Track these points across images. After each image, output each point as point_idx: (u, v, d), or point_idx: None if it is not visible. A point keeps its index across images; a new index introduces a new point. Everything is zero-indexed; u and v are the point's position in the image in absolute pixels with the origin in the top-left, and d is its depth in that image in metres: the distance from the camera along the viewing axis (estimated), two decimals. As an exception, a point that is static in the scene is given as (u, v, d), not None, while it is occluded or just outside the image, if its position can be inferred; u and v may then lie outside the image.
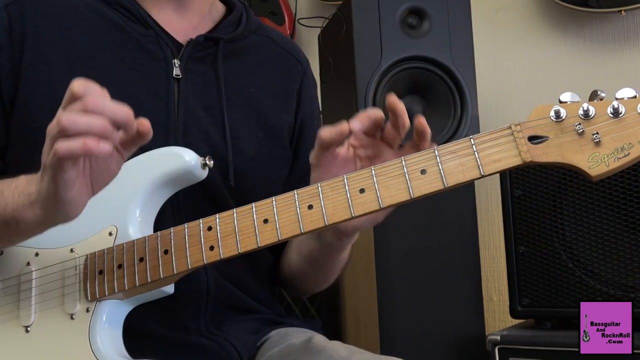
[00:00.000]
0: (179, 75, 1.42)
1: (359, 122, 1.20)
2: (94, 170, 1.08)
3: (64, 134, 1.00)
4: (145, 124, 1.08)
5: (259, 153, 1.47)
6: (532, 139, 1.05)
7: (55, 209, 1.08)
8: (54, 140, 1.01)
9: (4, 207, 1.15)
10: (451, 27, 2.38)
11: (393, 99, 1.18)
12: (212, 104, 1.44)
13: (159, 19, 1.46)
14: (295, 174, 1.54)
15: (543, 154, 1.04)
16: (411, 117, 2.29)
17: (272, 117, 1.51)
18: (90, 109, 1.01)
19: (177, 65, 1.42)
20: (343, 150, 1.26)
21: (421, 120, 1.19)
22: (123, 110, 1.04)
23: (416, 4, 2.36)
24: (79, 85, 1.03)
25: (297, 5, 3.38)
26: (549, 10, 2.94)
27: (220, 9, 1.59)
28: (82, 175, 1.06)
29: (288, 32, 3.30)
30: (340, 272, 1.54)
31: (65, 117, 1.00)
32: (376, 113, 1.20)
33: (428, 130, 1.20)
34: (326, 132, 1.21)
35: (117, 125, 1.04)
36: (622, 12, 2.59)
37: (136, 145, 1.10)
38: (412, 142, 1.22)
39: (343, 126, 1.19)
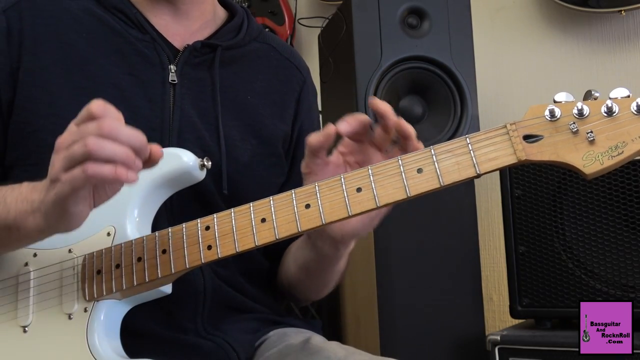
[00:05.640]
0: (174, 81, 1.42)
1: (346, 124, 1.21)
2: (98, 188, 1.10)
3: (90, 156, 1.02)
4: (157, 150, 1.11)
5: (252, 160, 1.46)
6: (527, 137, 1.06)
7: (58, 220, 1.09)
8: (75, 162, 1.03)
9: (7, 213, 1.15)
10: (451, 27, 2.38)
11: (375, 102, 1.19)
12: (207, 110, 1.44)
13: (156, 24, 1.46)
14: (293, 182, 1.53)
15: (538, 153, 1.05)
16: (411, 117, 2.31)
17: (268, 125, 1.51)
18: (106, 133, 1.03)
19: (173, 70, 1.42)
20: (333, 157, 1.28)
21: (401, 122, 1.20)
22: (138, 137, 1.07)
23: (416, 4, 2.37)
24: (97, 106, 1.06)
25: (297, 5, 3.38)
26: (549, 11, 2.94)
27: (221, 15, 1.58)
28: (88, 194, 1.08)
29: (288, 32, 3.30)
30: (339, 281, 1.54)
31: (91, 141, 1.02)
32: (363, 117, 1.22)
33: (410, 129, 1.21)
34: (314, 137, 1.23)
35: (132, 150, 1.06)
36: (622, 12, 2.60)
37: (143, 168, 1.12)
38: (400, 144, 1.23)
39: (330, 129, 1.20)
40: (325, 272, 1.46)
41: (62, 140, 1.07)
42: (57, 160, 1.06)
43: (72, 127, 1.07)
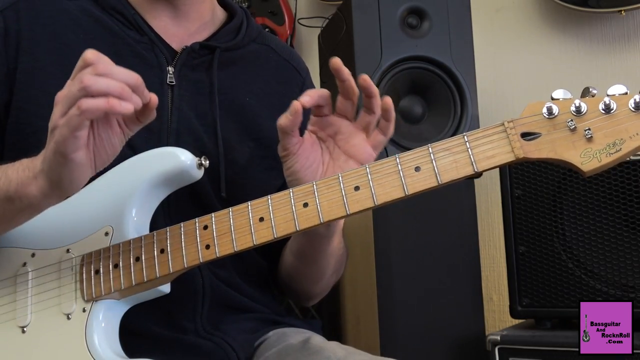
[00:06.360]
0: (172, 83, 1.41)
1: (308, 97, 1.24)
2: (97, 146, 1.09)
3: (85, 92, 1.03)
4: (153, 97, 1.11)
5: (250, 163, 1.46)
6: (525, 135, 1.06)
7: (61, 175, 1.08)
8: (74, 101, 1.03)
9: (8, 184, 1.15)
10: (451, 27, 2.38)
11: (336, 62, 1.21)
12: (205, 112, 1.43)
13: (155, 26, 1.46)
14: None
15: (536, 150, 1.05)
16: (411, 117, 2.31)
17: (266, 127, 1.50)
18: (102, 72, 1.04)
19: (171, 72, 1.42)
20: (306, 136, 1.30)
21: (364, 77, 1.22)
22: (133, 76, 1.07)
23: (416, 4, 2.36)
24: (91, 53, 1.07)
25: (297, 5, 3.37)
26: (549, 11, 2.94)
27: (220, 16, 1.58)
28: (87, 147, 1.08)
29: (288, 32, 3.30)
30: (337, 271, 1.54)
31: (87, 77, 1.03)
32: (322, 90, 1.25)
33: (374, 87, 1.23)
34: (283, 118, 1.25)
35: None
36: (622, 12, 2.59)
37: (140, 124, 1.12)
38: (365, 106, 1.25)
39: (295, 105, 1.22)
40: (320, 255, 1.45)
41: (61, 92, 1.07)
42: (56, 110, 1.07)
43: (69, 82, 1.08)
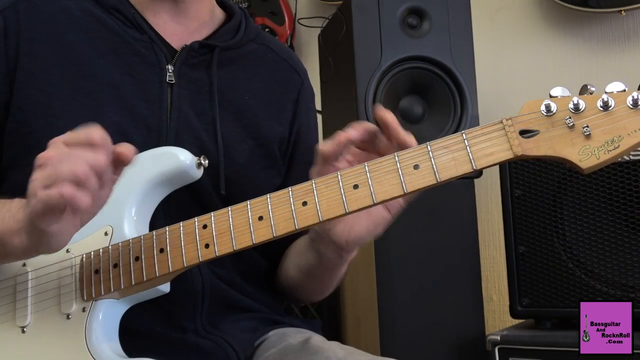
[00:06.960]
0: (172, 81, 1.41)
1: (355, 131, 1.21)
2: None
3: (76, 180, 1.02)
4: (125, 145, 1.09)
5: (249, 162, 1.46)
6: (524, 133, 1.06)
7: (39, 240, 1.09)
8: (59, 179, 1.01)
9: None
10: (451, 27, 2.38)
11: (382, 112, 1.19)
12: (204, 111, 1.43)
13: (155, 24, 1.46)
14: (288, 185, 1.52)
15: (534, 148, 1.04)
16: (411, 117, 2.31)
17: (264, 126, 1.50)
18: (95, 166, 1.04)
19: (170, 71, 1.42)
20: (342, 165, 1.27)
21: (403, 136, 1.18)
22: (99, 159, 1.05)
23: (416, 4, 2.36)
24: (99, 134, 1.05)
25: (297, 5, 3.38)
26: (549, 10, 2.94)
27: (219, 15, 1.58)
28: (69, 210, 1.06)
29: (288, 32, 3.30)
30: (340, 282, 1.54)
31: (82, 168, 1.02)
32: (370, 125, 1.22)
33: (412, 141, 1.19)
34: (326, 145, 1.22)
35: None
36: (622, 12, 2.60)
37: (120, 169, 1.11)
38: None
39: (341, 137, 1.20)
40: (328, 276, 1.46)
41: (49, 156, 1.05)
42: (39, 175, 1.04)
43: (60, 147, 1.06)
